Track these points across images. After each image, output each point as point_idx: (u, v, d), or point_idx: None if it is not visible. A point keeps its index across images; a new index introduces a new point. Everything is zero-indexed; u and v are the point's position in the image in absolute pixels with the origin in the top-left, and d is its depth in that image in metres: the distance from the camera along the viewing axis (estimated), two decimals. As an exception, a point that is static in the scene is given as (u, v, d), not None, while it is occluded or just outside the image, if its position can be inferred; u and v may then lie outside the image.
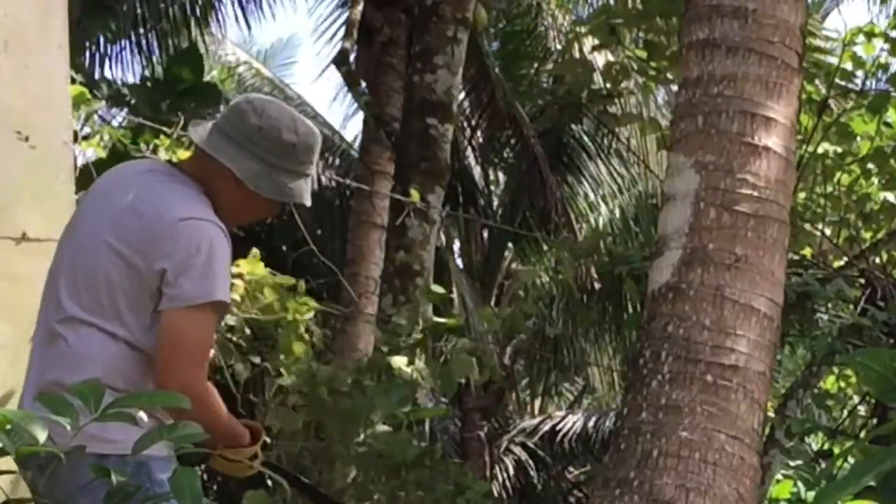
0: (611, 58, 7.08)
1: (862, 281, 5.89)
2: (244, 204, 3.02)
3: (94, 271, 2.85)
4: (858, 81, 6.16)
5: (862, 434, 6.37)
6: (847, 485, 2.72)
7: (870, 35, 6.10)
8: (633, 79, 7.20)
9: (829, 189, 6.52)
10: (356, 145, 13.44)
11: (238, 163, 2.96)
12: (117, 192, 2.96)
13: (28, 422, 2.29)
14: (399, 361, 4.34)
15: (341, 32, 12.29)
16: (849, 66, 6.08)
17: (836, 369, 6.55)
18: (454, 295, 10.93)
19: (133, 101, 7.58)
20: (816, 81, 6.18)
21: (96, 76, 9.04)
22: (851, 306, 5.66)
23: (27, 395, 2.89)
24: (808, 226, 6.37)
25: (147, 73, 9.85)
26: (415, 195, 6.40)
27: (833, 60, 6.33)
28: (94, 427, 2.52)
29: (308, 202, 3.09)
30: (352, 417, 4.18)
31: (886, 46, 6.12)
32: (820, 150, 6.33)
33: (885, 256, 6.39)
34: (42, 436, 2.29)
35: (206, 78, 9.04)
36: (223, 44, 13.75)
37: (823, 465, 6.01)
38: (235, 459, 2.99)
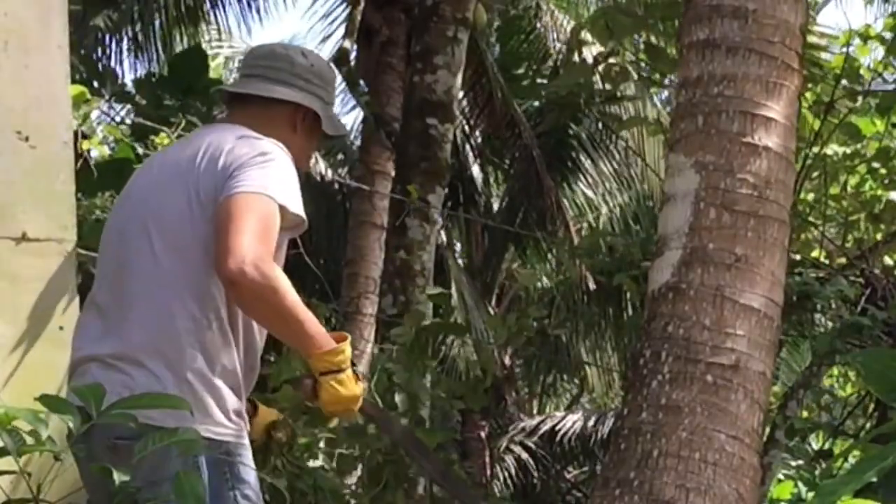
0: (611, 59, 7.09)
1: (862, 281, 5.89)
2: (302, 147, 2.99)
3: (174, 230, 2.76)
4: (863, 82, 6.15)
5: (862, 434, 6.37)
6: (848, 482, 2.73)
7: (865, 37, 6.10)
8: (633, 81, 7.21)
9: (835, 190, 6.53)
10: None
11: (311, 102, 2.97)
12: (181, 151, 2.90)
13: (33, 422, 2.29)
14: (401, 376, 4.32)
15: (338, 31, 12.37)
16: (858, 64, 6.07)
17: (834, 369, 6.57)
18: (454, 294, 10.95)
19: (137, 98, 7.58)
20: (819, 85, 6.18)
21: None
22: (851, 306, 5.66)
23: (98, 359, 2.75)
24: (810, 226, 6.38)
25: (151, 70, 9.85)
26: (413, 192, 6.40)
27: (828, 57, 6.34)
28: (209, 406, 2.58)
29: (346, 132, 3.15)
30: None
31: (882, 49, 6.13)
32: (828, 152, 6.34)
33: (888, 260, 6.40)
34: (73, 423, 2.29)
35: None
36: (227, 40, 13.72)
37: (824, 465, 6.01)
38: (338, 369, 2.75)
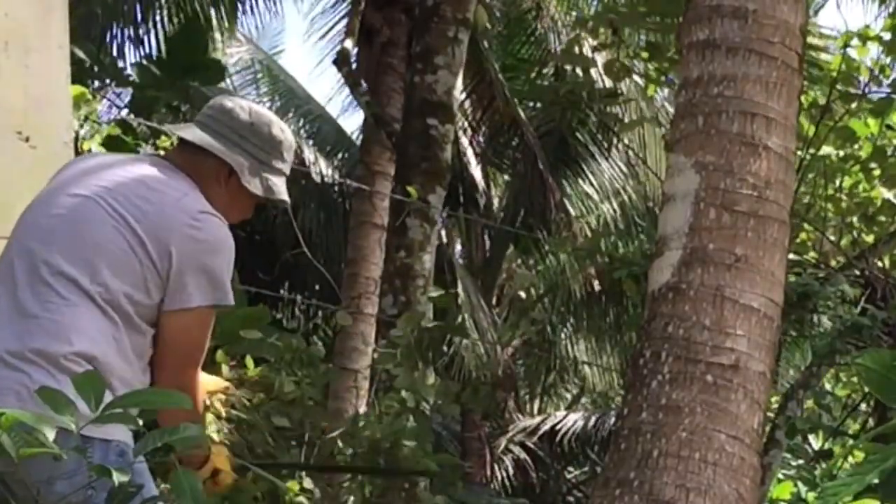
0: (611, 55, 7.09)
1: (861, 281, 5.89)
2: (229, 203, 3.01)
3: (99, 240, 2.79)
4: (859, 84, 6.15)
5: (861, 434, 6.37)
6: (850, 483, 2.73)
7: (864, 38, 6.10)
8: (634, 79, 7.21)
9: (831, 191, 6.53)
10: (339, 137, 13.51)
11: (233, 158, 2.97)
12: (112, 169, 2.92)
13: (38, 423, 2.28)
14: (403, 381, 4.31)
15: (331, 23, 12.39)
16: (852, 64, 6.07)
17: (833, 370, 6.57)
18: (461, 294, 10.95)
19: (137, 81, 7.53)
20: (817, 87, 6.18)
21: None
22: (851, 306, 5.67)
23: None
24: (809, 227, 6.38)
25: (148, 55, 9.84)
26: (413, 193, 6.40)
27: (827, 57, 6.34)
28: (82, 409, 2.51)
29: (288, 199, 3.10)
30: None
31: (881, 49, 6.13)
32: (823, 153, 6.34)
33: (887, 261, 6.40)
34: (51, 436, 2.28)
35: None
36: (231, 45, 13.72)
37: (824, 465, 6.01)
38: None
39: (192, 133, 2.99)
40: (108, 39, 10.08)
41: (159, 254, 2.79)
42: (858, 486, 2.78)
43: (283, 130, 3.05)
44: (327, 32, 12.52)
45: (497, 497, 10.56)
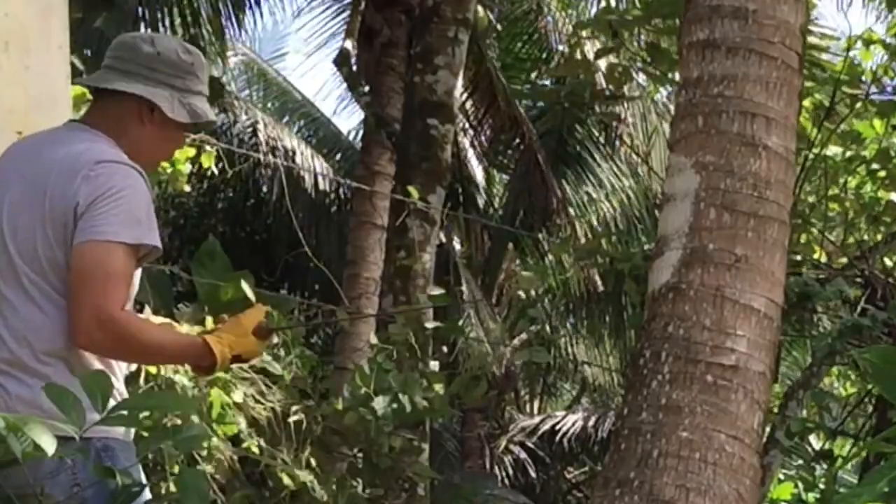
0: (613, 59, 7.08)
1: (861, 281, 5.89)
2: (158, 139, 2.96)
3: (21, 229, 2.78)
4: (863, 86, 6.14)
5: (861, 434, 6.37)
6: (860, 493, 2.71)
7: (868, 42, 6.11)
8: (636, 80, 7.20)
9: (835, 192, 6.52)
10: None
11: (151, 92, 2.90)
12: (29, 152, 2.90)
13: (35, 431, 2.28)
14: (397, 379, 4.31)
15: (329, 23, 12.40)
16: (861, 69, 6.07)
17: (834, 369, 6.57)
18: (465, 293, 10.96)
19: None
20: (820, 89, 6.18)
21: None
22: (851, 306, 5.66)
23: None
24: (810, 227, 6.38)
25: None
26: (413, 193, 6.40)
27: (827, 57, 6.33)
28: (47, 403, 2.51)
29: (214, 118, 3.06)
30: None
31: (885, 53, 6.12)
32: (828, 153, 6.34)
33: (888, 262, 6.39)
34: (50, 444, 2.28)
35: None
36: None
37: (824, 466, 6.01)
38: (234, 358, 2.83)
39: (103, 79, 2.93)
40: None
41: (66, 210, 2.74)
42: (869, 495, 2.77)
43: (189, 52, 2.99)
44: (325, 34, 12.55)
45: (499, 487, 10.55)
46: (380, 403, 4.11)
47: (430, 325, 4.65)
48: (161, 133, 2.96)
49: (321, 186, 12.55)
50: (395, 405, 4.20)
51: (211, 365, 2.80)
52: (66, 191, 2.75)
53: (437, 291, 5.71)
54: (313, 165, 12.64)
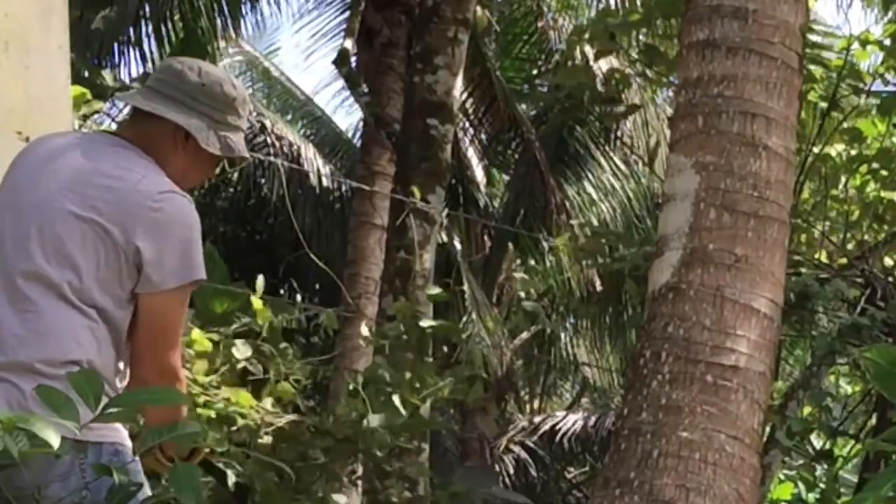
0: (614, 62, 7.09)
1: (862, 281, 5.89)
2: (189, 166, 2.97)
3: (66, 238, 2.77)
4: (864, 84, 6.14)
5: (861, 433, 6.37)
6: (866, 497, 2.71)
7: (864, 42, 6.10)
8: (634, 84, 7.20)
9: (836, 191, 6.52)
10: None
11: (188, 122, 2.92)
12: (66, 159, 2.88)
13: (41, 427, 2.28)
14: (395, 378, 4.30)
15: (326, 19, 12.41)
16: (859, 69, 6.06)
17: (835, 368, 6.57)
18: (467, 292, 10.96)
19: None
20: (822, 84, 6.17)
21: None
22: (851, 306, 5.66)
23: None
24: (811, 227, 6.38)
25: (150, 68, 9.84)
26: (416, 193, 6.41)
27: (829, 55, 6.33)
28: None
29: (248, 155, 3.07)
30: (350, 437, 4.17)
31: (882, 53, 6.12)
32: (832, 153, 6.34)
33: (888, 261, 6.39)
34: (55, 440, 2.27)
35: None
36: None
37: (825, 466, 6.01)
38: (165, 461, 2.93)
39: (145, 101, 2.95)
40: (112, 54, 10.09)
41: (126, 241, 2.76)
42: (873, 500, 2.76)
43: (235, 87, 3.02)
44: (318, 32, 12.55)
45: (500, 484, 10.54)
46: (375, 421, 4.11)
47: (424, 323, 4.64)
48: (193, 161, 2.98)
49: (325, 185, 12.56)
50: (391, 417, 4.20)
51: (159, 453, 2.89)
52: (125, 220, 2.77)
53: (435, 290, 5.69)
54: (316, 164, 12.65)
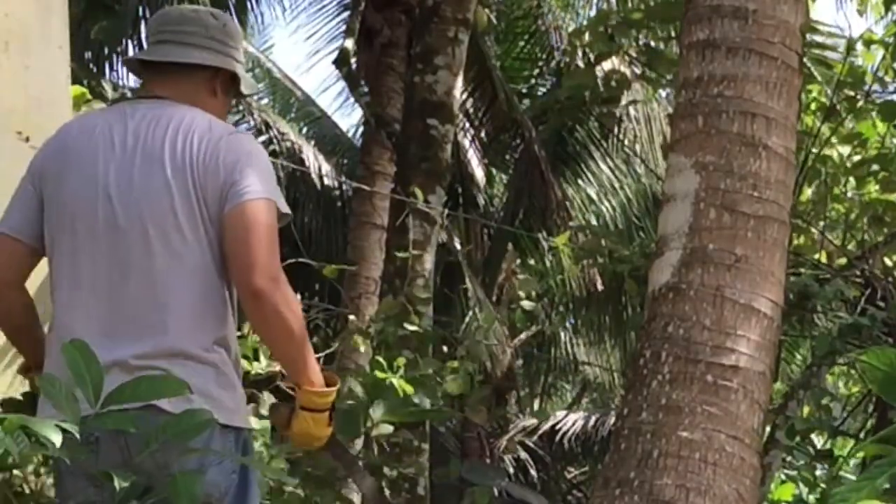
0: (615, 60, 7.08)
1: (862, 281, 5.89)
2: (221, 112, 2.93)
3: (183, 210, 2.70)
4: (865, 87, 6.13)
5: (862, 434, 6.37)
6: (860, 488, 2.71)
7: (868, 43, 6.10)
8: (634, 85, 7.20)
9: (837, 192, 6.52)
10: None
11: (230, 65, 2.88)
12: (133, 130, 2.77)
13: (42, 428, 2.28)
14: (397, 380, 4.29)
15: (321, 17, 12.40)
16: (863, 70, 6.06)
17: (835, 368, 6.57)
18: (470, 292, 10.97)
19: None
20: (823, 86, 6.17)
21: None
22: (851, 306, 5.66)
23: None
24: (811, 228, 6.38)
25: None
26: (419, 194, 6.40)
27: (832, 55, 6.33)
28: (216, 391, 2.57)
29: (257, 88, 3.03)
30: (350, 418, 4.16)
31: (886, 53, 6.11)
32: (833, 154, 6.34)
33: (888, 261, 6.39)
34: (57, 440, 2.27)
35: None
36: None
37: (827, 467, 6.01)
38: (319, 409, 2.78)
39: (178, 53, 2.86)
40: (111, 60, 10.09)
41: (220, 184, 2.70)
42: (869, 491, 2.75)
43: (232, 20, 2.98)
44: (315, 32, 12.55)
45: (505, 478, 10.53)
46: (378, 411, 4.11)
47: (409, 326, 4.64)
48: (223, 105, 2.94)
49: (326, 184, 12.55)
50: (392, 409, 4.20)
51: (309, 386, 2.76)
52: (208, 159, 2.70)
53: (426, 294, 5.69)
54: (317, 164, 12.65)
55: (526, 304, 5.38)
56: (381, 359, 4.19)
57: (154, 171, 2.73)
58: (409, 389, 4.11)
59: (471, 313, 10.75)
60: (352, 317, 4.79)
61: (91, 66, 9.74)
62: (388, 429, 4.08)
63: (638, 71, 6.71)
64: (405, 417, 4.17)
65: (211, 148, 2.74)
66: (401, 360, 4.22)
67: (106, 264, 2.71)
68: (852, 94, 5.97)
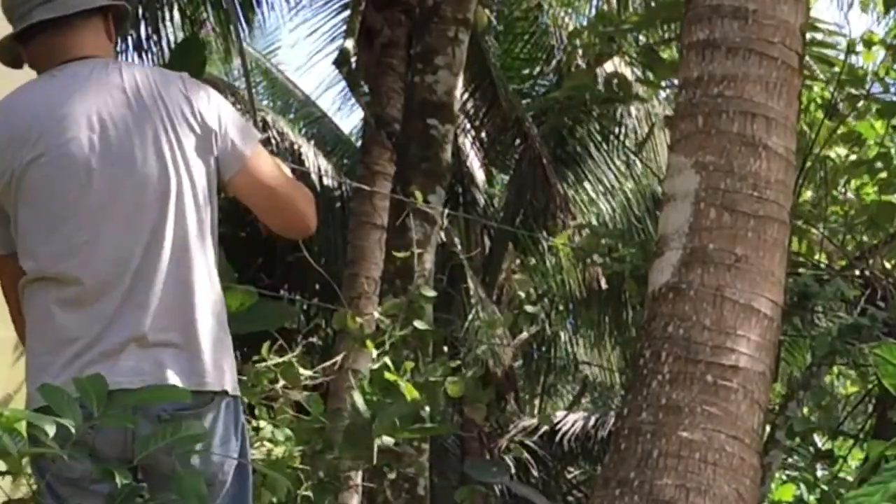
0: (616, 61, 7.09)
1: (861, 282, 5.89)
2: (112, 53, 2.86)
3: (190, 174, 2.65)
4: (865, 87, 6.14)
5: (861, 434, 6.38)
6: (874, 492, 2.70)
7: (869, 44, 6.10)
8: (634, 86, 7.20)
9: (835, 193, 6.52)
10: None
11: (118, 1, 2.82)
12: (89, 94, 2.67)
13: (38, 422, 2.28)
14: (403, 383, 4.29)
15: (325, 19, 12.41)
16: (863, 71, 6.06)
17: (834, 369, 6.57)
18: (472, 292, 10.97)
19: None
20: (825, 85, 6.17)
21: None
22: (851, 306, 5.66)
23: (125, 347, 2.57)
24: (811, 229, 6.38)
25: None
26: (418, 196, 6.41)
27: (832, 53, 6.33)
28: (227, 365, 2.58)
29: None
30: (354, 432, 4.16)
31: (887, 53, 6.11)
32: (832, 155, 6.34)
33: (888, 263, 6.39)
34: (51, 432, 2.27)
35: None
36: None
37: (828, 467, 6.01)
38: None
39: (73, 4, 2.71)
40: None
41: (211, 136, 2.70)
42: (882, 496, 2.75)
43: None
44: (316, 30, 12.56)
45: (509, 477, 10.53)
46: (388, 415, 4.11)
47: (418, 324, 4.64)
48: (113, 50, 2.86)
49: (327, 184, 12.56)
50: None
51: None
52: (185, 112, 2.67)
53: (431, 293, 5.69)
54: (318, 164, 12.65)
55: (529, 308, 5.38)
56: (388, 360, 4.20)
57: (129, 132, 2.70)
58: (416, 394, 4.11)
59: (473, 312, 10.75)
60: (358, 319, 4.77)
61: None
62: (390, 441, 4.09)
63: (639, 73, 6.72)
64: (409, 434, 4.18)
65: (178, 94, 2.73)
66: (409, 365, 4.23)
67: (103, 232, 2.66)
68: (854, 92, 5.97)
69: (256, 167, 2.73)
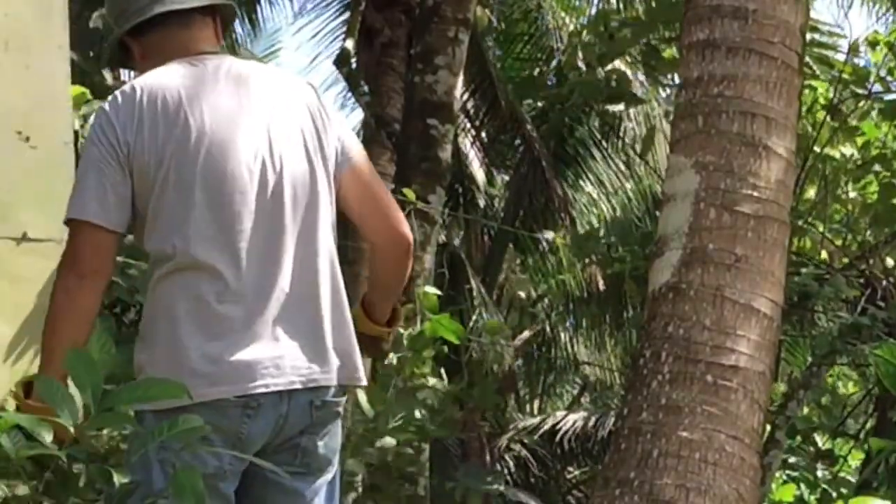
0: (616, 61, 7.09)
1: (862, 281, 5.90)
2: None
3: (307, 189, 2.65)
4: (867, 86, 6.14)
5: (861, 434, 6.37)
6: (885, 497, 2.68)
7: (873, 43, 6.11)
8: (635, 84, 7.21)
9: (838, 192, 6.53)
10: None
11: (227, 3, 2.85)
12: (240, 89, 2.68)
13: (35, 425, 2.28)
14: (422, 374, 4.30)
15: (326, 20, 12.40)
16: (867, 71, 6.06)
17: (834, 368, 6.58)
18: (474, 292, 10.97)
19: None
20: (822, 86, 6.17)
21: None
22: (851, 306, 5.67)
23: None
24: (811, 228, 6.38)
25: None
26: (410, 195, 6.40)
27: (831, 54, 6.34)
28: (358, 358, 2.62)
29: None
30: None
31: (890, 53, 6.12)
32: (836, 154, 6.35)
33: (889, 262, 6.39)
34: (48, 437, 2.27)
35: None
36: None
37: (825, 466, 6.01)
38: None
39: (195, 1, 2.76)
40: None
41: (329, 136, 2.73)
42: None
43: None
44: (319, 31, 12.55)
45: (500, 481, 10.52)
46: (387, 442, 4.12)
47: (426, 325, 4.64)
48: None
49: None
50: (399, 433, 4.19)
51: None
52: (317, 122, 2.70)
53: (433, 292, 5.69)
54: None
55: (533, 312, 5.39)
56: (395, 360, 4.20)
57: (270, 132, 2.73)
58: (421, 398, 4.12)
59: (476, 314, 10.74)
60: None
61: (90, 55, 9.73)
62: (392, 442, 4.09)
63: (640, 73, 6.73)
64: (410, 437, 4.18)
65: (306, 97, 2.78)
66: (414, 366, 4.23)
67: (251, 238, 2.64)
68: (857, 91, 5.97)
69: (362, 165, 2.76)
